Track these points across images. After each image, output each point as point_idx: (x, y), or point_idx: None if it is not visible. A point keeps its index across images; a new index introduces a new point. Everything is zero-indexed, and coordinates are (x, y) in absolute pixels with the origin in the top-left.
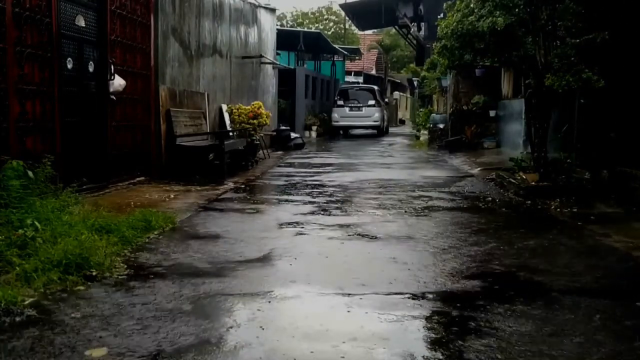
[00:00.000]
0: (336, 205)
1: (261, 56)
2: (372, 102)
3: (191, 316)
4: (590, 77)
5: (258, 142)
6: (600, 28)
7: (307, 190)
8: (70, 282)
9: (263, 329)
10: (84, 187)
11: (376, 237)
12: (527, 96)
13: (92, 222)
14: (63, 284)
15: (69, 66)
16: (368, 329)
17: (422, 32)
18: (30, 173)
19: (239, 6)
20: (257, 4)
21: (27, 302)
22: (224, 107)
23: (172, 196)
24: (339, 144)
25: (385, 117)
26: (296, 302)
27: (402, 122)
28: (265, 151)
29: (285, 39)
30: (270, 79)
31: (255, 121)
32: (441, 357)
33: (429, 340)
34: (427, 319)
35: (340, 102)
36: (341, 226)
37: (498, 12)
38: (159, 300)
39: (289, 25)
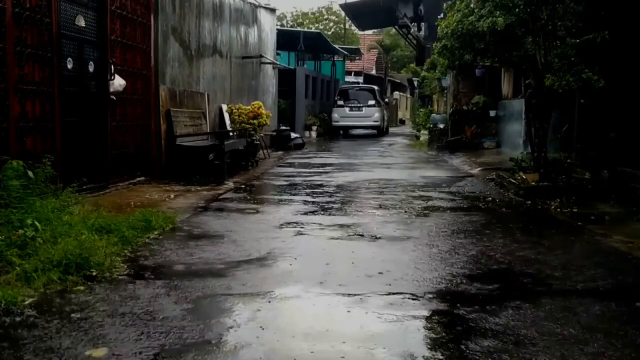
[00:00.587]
0: (336, 206)
1: (261, 56)
2: (372, 102)
3: (191, 316)
4: (590, 77)
5: (258, 142)
6: (600, 28)
7: (307, 190)
8: (70, 282)
9: (263, 329)
10: (84, 187)
11: (376, 237)
12: (527, 96)
13: (92, 222)
14: (63, 284)
15: (69, 66)
16: (368, 329)
17: (422, 32)
18: (30, 173)
19: (239, 6)
20: (257, 4)
21: (27, 302)
22: (224, 107)
23: (172, 196)
24: (339, 144)
25: (386, 117)
26: (296, 302)
27: (402, 122)
28: (265, 151)
29: (285, 39)
30: (270, 79)
31: (255, 121)
32: (441, 357)
33: (429, 340)
34: (427, 319)
35: (341, 102)
36: (341, 226)
37: (498, 12)
38: (159, 300)
39: (289, 25)
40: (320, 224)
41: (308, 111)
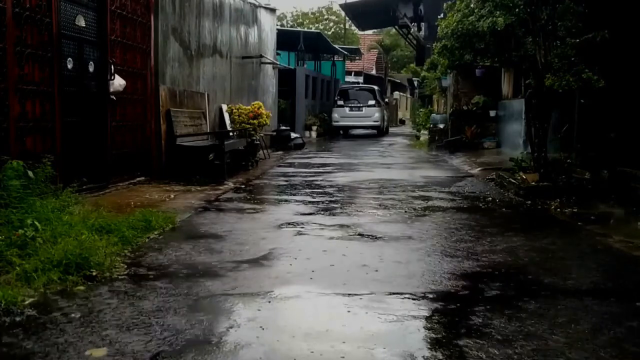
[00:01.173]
0: (336, 206)
1: (261, 56)
2: (372, 102)
3: (191, 316)
4: (590, 77)
5: (258, 142)
6: (600, 28)
7: (307, 191)
8: (70, 282)
9: (263, 329)
10: (84, 187)
11: (376, 237)
12: (527, 96)
13: (92, 222)
14: (63, 284)
15: (69, 66)
16: (368, 329)
17: (422, 32)
18: (30, 173)
19: (239, 6)
20: (257, 4)
21: (27, 302)
22: (224, 107)
23: (172, 196)
24: (339, 144)
25: (386, 117)
26: (296, 302)
27: (402, 122)
28: (265, 151)
29: (286, 39)
30: (270, 79)
31: (255, 121)
32: (441, 357)
33: (429, 340)
34: (428, 319)
35: (341, 102)
36: (341, 226)
37: (498, 12)
38: (159, 300)
39: (289, 25)
40: (320, 224)
41: (308, 111)
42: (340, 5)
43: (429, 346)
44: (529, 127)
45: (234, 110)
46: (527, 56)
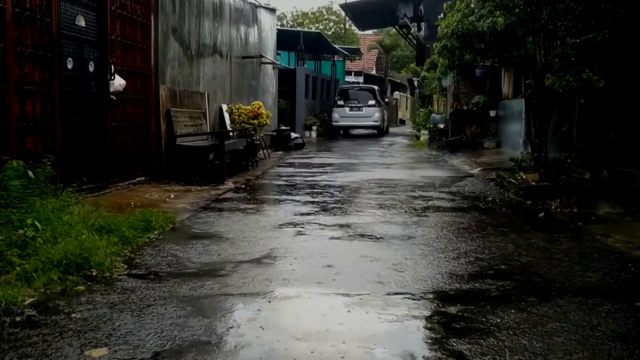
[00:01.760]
0: (336, 205)
1: (261, 56)
2: (372, 102)
3: (191, 316)
4: (591, 77)
5: (258, 142)
6: (600, 28)
7: (307, 190)
8: (71, 282)
9: (263, 329)
10: (84, 187)
11: (376, 238)
12: (527, 96)
13: (93, 222)
14: (63, 284)
15: (69, 66)
16: (368, 329)
17: (422, 32)
18: (30, 173)
19: (239, 6)
20: (257, 4)
21: (27, 302)
22: (224, 107)
23: (172, 196)
24: (339, 144)
25: (386, 117)
26: (296, 302)
27: (403, 122)
28: (265, 151)
29: (286, 39)
30: (270, 79)
31: (255, 121)
32: (441, 357)
33: (429, 340)
34: (428, 319)
35: (341, 102)
36: (341, 226)
37: (498, 12)
38: (158, 300)
39: (289, 25)
40: (320, 224)
41: (308, 111)
42: (340, 5)
43: (429, 346)
44: (529, 127)
45: (234, 110)
46: (527, 56)
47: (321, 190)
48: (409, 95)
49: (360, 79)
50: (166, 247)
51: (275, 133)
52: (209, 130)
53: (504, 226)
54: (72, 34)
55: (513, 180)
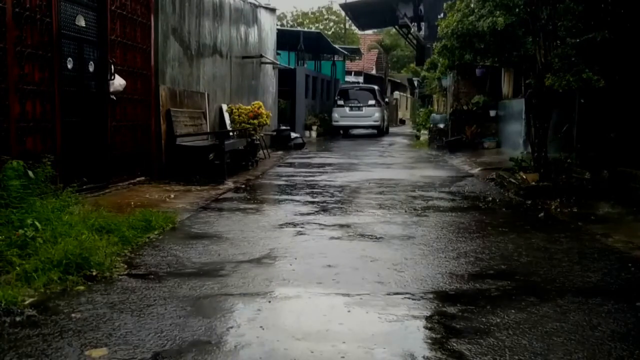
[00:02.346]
0: (336, 205)
1: (261, 56)
2: (372, 102)
3: (191, 316)
4: (591, 77)
5: (258, 142)
6: (600, 28)
7: (307, 190)
8: (71, 282)
9: (263, 329)
10: (84, 187)
11: (376, 238)
12: (527, 96)
13: (93, 222)
14: (63, 284)
15: (69, 66)
16: (368, 329)
17: (422, 32)
18: (30, 173)
19: (239, 6)
20: (257, 3)
21: (27, 302)
22: (224, 107)
23: (172, 196)
24: (339, 143)
25: (386, 117)
26: (296, 302)
27: (403, 122)
28: (265, 151)
29: (286, 39)
30: (270, 79)
31: (255, 121)
32: (441, 357)
33: (429, 340)
34: (428, 319)
35: (341, 102)
36: (341, 226)
37: (498, 12)
38: (158, 300)
39: (289, 25)
40: (320, 224)
41: (308, 111)
42: (340, 5)
43: (429, 346)
44: (529, 127)
45: (234, 110)
46: (527, 56)
47: (321, 190)
48: (409, 95)
49: (360, 79)
50: (166, 247)
51: (275, 133)
52: (209, 130)
53: (504, 226)
54: (72, 34)
55: (513, 180)
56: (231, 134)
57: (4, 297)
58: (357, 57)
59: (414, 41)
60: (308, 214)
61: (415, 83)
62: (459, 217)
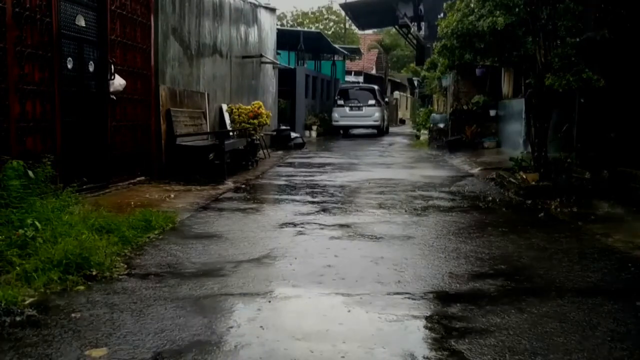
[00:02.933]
0: (336, 205)
1: (261, 56)
2: (372, 101)
3: (191, 316)
4: (591, 76)
5: (258, 142)
6: (600, 28)
7: (308, 190)
8: (71, 282)
9: (263, 329)
10: (84, 187)
11: (376, 237)
12: (527, 96)
13: (93, 222)
14: (63, 284)
15: (69, 66)
16: (368, 329)
17: (422, 32)
18: (30, 173)
19: (239, 6)
20: (257, 3)
21: (27, 302)
22: (224, 106)
23: (172, 196)
24: (339, 143)
25: (386, 117)
26: (296, 302)
27: (403, 121)
28: (265, 151)
29: (286, 39)
30: (270, 79)
31: (255, 121)
32: (441, 357)
33: (429, 340)
34: (428, 318)
35: (341, 102)
36: (341, 226)
37: (498, 12)
38: (159, 300)
39: (289, 25)
40: (320, 224)
41: (308, 111)
42: (340, 5)
43: (429, 346)
44: (529, 126)
45: (234, 110)
46: (527, 56)
47: (321, 190)
48: (409, 95)
49: (360, 79)
50: (166, 247)
51: (275, 133)
52: (209, 130)
53: (504, 226)
54: (72, 33)
55: (513, 180)
56: (231, 133)
57: (4, 297)
58: (357, 57)
59: (414, 41)
60: (308, 213)
61: (415, 83)
62: (459, 217)
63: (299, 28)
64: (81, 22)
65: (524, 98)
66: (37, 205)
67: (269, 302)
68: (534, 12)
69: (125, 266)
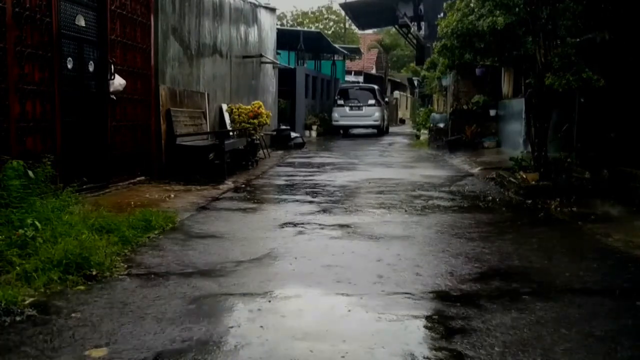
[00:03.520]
0: (336, 205)
1: (261, 56)
2: (372, 101)
3: (191, 316)
4: (591, 76)
5: (258, 142)
6: (600, 27)
7: (308, 190)
8: (71, 282)
9: (263, 328)
10: (84, 186)
11: (376, 237)
12: (527, 96)
13: (93, 222)
14: (63, 284)
15: (69, 66)
16: (368, 329)
17: (422, 32)
18: (30, 173)
19: (239, 6)
20: (257, 3)
21: (27, 302)
22: (224, 106)
23: (172, 196)
24: (339, 143)
25: (386, 117)
26: (296, 302)
27: (403, 121)
28: (265, 151)
29: (286, 39)
30: (270, 79)
31: (255, 121)
32: (442, 356)
33: (429, 340)
34: (428, 318)
35: (341, 102)
36: (341, 226)
37: (498, 12)
38: (159, 299)
39: (289, 25)
40: (320, 224)
41: (308, 111)
42: (340, 5)
43: (429, 346)
44: (529, 126)
45: (234, 110)
46: (527, 56)
47: (321, 190)
48: (409, 95)
49: (360, 79)
50: (166, 246)
51: (275, 132)
52: (209, 130)
53: (504, 226)
54: (72, 33)
55: (513, 180)
56: (231, 133)
57: (4, 297)
58: (357, 57)
59: (414, 41)
60: (308, 213)
61: (415, 83)
62: (459, 217)
63: (298, 28)
64: (81, 22)
65: (524, 98)
66: (37, 205)
67: (269, 302)
68: (534, 12)
69: (125, 266)
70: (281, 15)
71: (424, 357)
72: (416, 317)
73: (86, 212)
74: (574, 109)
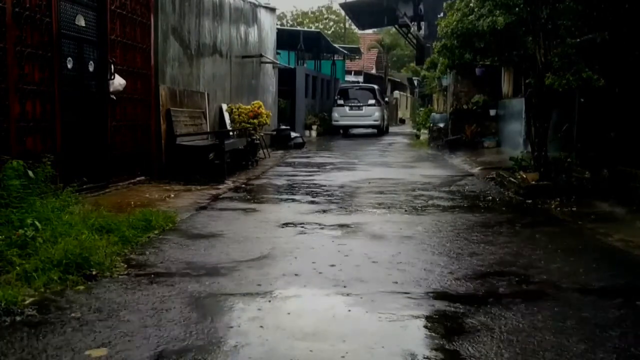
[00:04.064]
0: (336, 205)
1: (261, 55)
2: (372, 101)
3: (191, 316)
4: (591, 76)
5: (258, 142)
6: (600, 27)
7: (308, 190)
8: (71, 282)
9: (263, 328)
10: (84, 186)
11: (376, 237)
12: (527, 95)
13: (93, 222)
14: (63, 284)
15: (69, 66)
16: (368, 329)
17: (422, 32)
18: (30, 173)
19: (239, 5)
20: (257, 3)
21: (27, 302)
22: (224, 106)
23: (172, 196)
24: (339, 143)
25: (386, 117)
26: (296, 302)
27: (402, 121)
28: (265, 150)
29: (285, 39)
30: (270, 79)
31: (255, 121)
32: (442, 356)
33: (429, 339)
34: (428, 318)
35: (341, 102)
36: (341, 226)
37: (498, 12)
38: (159, 299)
39: (289, 25)
40: (320, 224)
41: (308, 110)
42: (340, 5)
43: (429, 345)
44: (529, 126)
45: (234, 110)
46: (527, 55)
47: (321, 190)
48: (409, 95)
49: (360, 78)
50: (166, 246)
51: (275, 132)
52: (209, 130)
53: (504, 225)
54: (72, 33)
55: (513, 180)
56: (231, 133)
57: (4, 297)
58: (357, 57)
59: (414, 40)
60: (308, 213)
61: (415, 82)
62: (459, 217)
63: (298, 28)
64: (81, 22)
65: (524, 98)
66: (37, 205)
67: (269, 302)
68: (534, 12)
69: (125, 266)
70: (281, 15)
71: (424, 357)
72: (416, 316)
73: (86, 212)
74: (573, 109)
